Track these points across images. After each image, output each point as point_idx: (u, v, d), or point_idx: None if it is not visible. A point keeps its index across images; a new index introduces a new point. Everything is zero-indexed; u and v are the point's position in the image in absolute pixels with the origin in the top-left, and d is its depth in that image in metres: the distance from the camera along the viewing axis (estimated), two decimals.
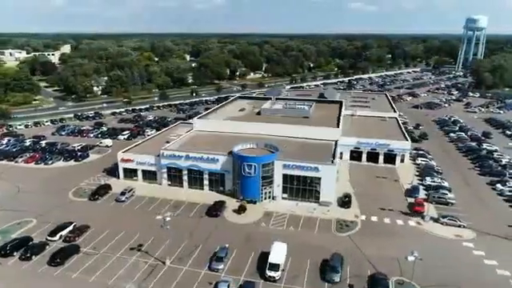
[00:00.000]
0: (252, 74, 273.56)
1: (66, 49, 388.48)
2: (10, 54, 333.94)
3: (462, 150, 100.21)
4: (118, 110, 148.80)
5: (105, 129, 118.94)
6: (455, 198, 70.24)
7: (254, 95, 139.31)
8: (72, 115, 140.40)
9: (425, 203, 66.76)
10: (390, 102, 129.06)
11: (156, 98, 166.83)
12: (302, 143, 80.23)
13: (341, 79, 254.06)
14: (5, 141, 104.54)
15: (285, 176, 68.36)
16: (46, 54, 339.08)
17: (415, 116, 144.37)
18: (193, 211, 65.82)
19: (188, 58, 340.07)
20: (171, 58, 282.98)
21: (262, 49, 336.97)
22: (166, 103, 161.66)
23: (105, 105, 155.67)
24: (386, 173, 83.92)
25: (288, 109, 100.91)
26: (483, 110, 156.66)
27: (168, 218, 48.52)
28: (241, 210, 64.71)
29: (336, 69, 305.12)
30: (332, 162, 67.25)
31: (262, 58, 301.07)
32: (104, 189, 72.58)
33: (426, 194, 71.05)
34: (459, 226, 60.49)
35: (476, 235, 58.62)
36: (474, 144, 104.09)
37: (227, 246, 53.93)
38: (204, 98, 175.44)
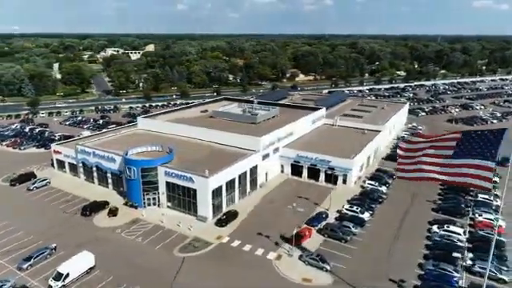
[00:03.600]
0: (302, 75, 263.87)
1: (150, 48, 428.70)
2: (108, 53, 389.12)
3: None
4: (134, 105, 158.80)
5: (100, 122, 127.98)
6: (357, 234, 57.51)
7: (247, 98, 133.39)
8: (93, 107, 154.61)
9: (311, 234, 56.65)
10: (394, 114, 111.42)
11: (174, 96, 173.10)
12: (219, 150, 74.62)
13: (395, 85, 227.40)
14: (13, 126, 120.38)
15: (168, 183, 64.54)
16: (130, 52, 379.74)
17: (438, 131, 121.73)
18: (75, 207, 66.64)
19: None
20: (239, 57, 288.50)
21: (334, 50, 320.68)
22: (183, 101, 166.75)
23: (124, 100, 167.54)
24: (316, 193, 72.77)
25: (239, 114, 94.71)
26: None
27: None
28: (110, 213, 63.23)
29: (404, 73, 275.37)
30: (207, 175, 60.74)
31: (320, 60, 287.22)
32: (26, 176, 78.20)
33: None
34: (321, 269, 49.26)
35: (332, 283, 47.06)
36: None
37: (54, 246, 53.45)
38: None
